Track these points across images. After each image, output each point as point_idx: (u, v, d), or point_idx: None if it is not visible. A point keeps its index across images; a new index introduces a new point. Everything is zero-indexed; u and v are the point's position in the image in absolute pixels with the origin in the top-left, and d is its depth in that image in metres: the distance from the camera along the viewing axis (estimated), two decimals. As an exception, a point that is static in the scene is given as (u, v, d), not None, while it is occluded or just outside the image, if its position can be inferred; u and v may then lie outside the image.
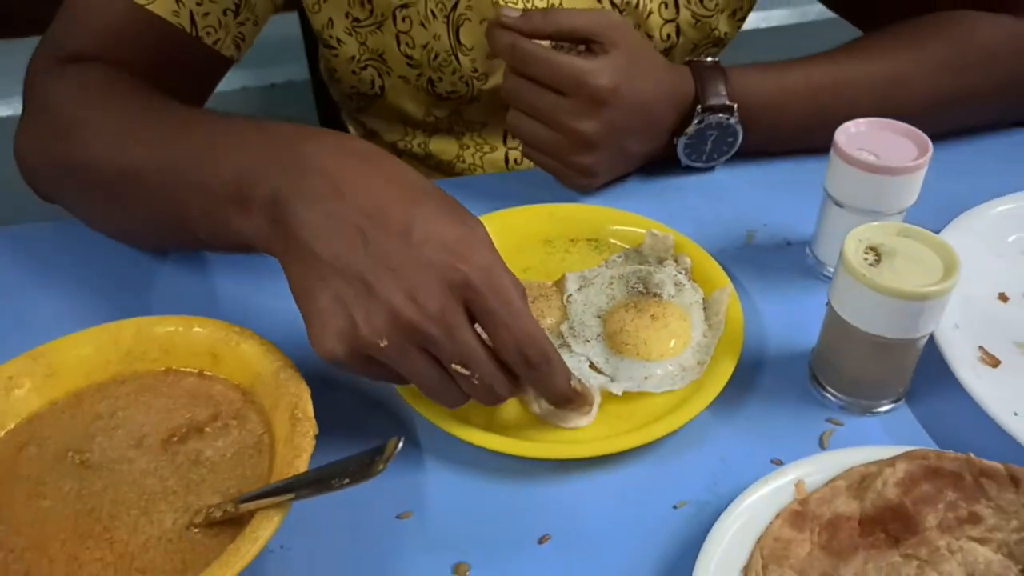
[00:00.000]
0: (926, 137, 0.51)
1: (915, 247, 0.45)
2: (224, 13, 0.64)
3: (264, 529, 0.37)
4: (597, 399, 0.47)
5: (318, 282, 0.40)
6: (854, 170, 0.51)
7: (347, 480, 0.36)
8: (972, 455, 0.42)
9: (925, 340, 0.46)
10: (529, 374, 0.42)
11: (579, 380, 0.45)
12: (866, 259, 0.44)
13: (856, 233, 0.45)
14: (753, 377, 0.50)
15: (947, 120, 0.67)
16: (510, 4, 0.67)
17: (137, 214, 0.54)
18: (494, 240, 0.43)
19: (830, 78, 0.65)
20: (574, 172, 0.63)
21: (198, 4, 0.62)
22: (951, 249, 0.44)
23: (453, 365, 0.41)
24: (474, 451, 0.46)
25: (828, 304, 0.46)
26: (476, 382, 0.41)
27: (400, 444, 0.36)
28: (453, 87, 0.73)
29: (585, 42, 0.60)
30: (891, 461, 0.42)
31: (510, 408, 0.48)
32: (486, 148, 0.78)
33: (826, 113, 0.60)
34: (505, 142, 0.78)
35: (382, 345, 0.39)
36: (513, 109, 0.62)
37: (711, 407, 0.48)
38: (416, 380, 0.42)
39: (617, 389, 0.48)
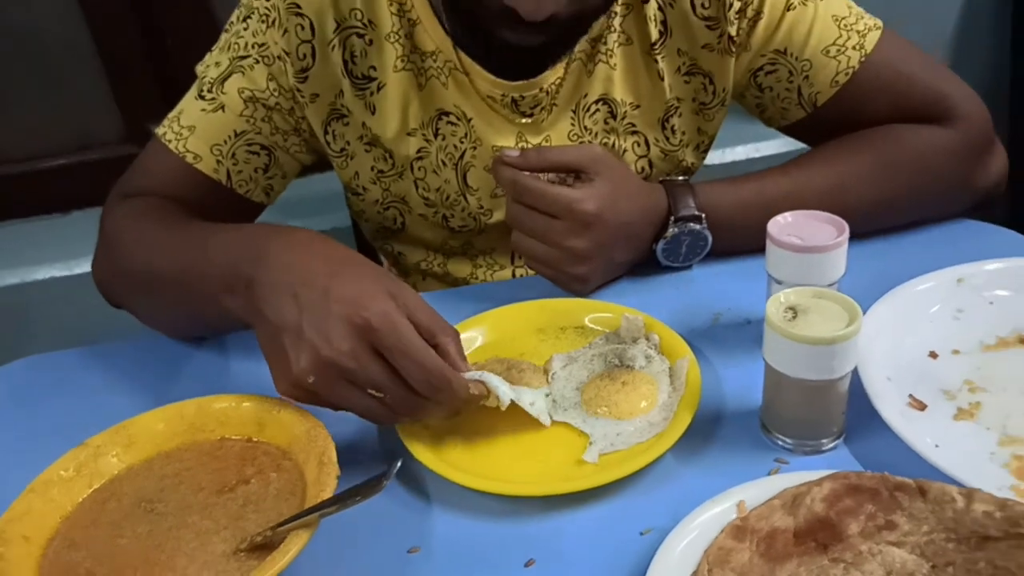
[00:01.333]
0: (843, 221, 0.61)
1: (826, 305, 0.54)
2: (255, 171, 0.80)
3: (294, 544, 0.46)
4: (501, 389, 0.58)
5: (271, 340, 0.54)
6: (785, 252, 0.61)
7: (359, 497, 0.45)
8: (887, 473, 0.49)
9: (846, 382, 0.54)
10: (434, 395, 0.53)
11: (477, 383, 0.56)
12: (786, 316, 0.53)
13: (777, 296, 0.55)
14: (712, 428, 0.59)
15: (887, 218, 0.77)
16: (508, 146, 0.81)
17: (166, 306, 0.70)
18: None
19: (781, 189, 0.75)
20: (570, 281, 0.74)
21: (234, 164, 0.78)
22: (855, 304, 0.53)
23: (369, 390, 0.52)
24: (471, 494, 0.54)
25: (763, 359, 0.55)
26: (390, 401, 0.53)
27: (399, 465, 0.45)
28: (464, 222, 0.86)
29: (574, 173, 0.72)
30: (818, 481, 0.50)
31: (502, 453, 0.58)
32: (496, 267, 0.90)
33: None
34: (512, 262, 0.90)
35: (311, 380, 0.52)
36: (516, 231, 0.73)
37: (674, 452, 0.56)
38: (346, 406, 0.54)
39: (591, 456, 0.57)
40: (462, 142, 0.81)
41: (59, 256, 1.57)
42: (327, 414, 0.55)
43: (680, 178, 0.77)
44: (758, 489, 0.50)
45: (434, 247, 0.91)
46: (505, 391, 0.57)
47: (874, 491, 0.49)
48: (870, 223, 0.76)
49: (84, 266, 1.52)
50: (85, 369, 0.73)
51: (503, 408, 0.58)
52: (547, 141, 0.82)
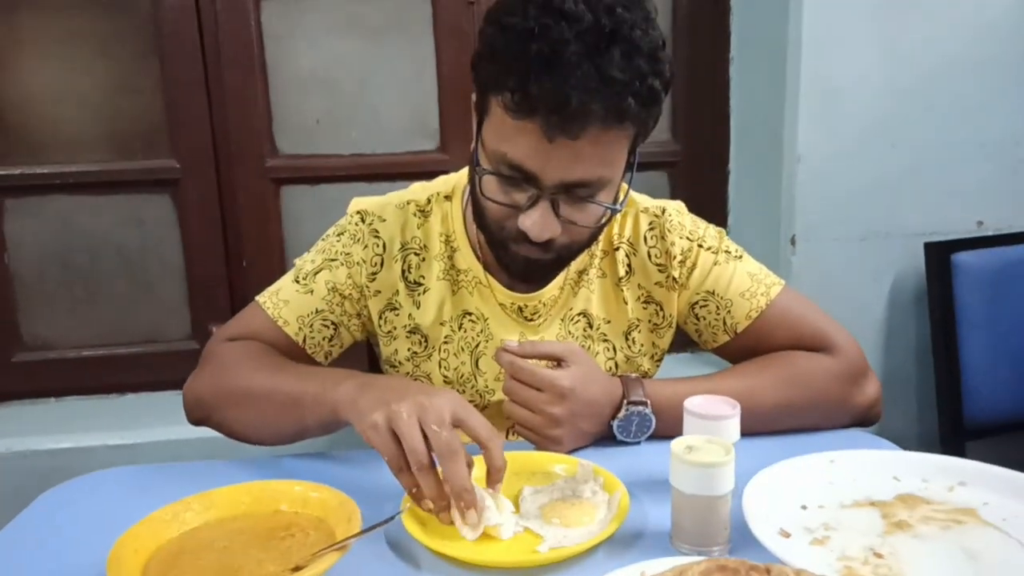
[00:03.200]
0: (736, 403, 0.86)
1: (712, 447, 0.77)
2: (323, 339, 1.08)
3: (325, 563, 0.66)
4: (482, 523, 0.78)
5: (377, 397, 0.79)
6: (695, 419, 0.85)
7: (375, 528, 0.66)
8: (746, 559, 0.69)
9: (726, 501, 0.75)
10: (486, 448, 0.77)
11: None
12: (684, 451, 0.77)
13: (679, 439, 0.78)
14: (634, 539, 0.79)
15: (785, 421, 1.02)
16: (509, 339, 1.08)
17: (269, 413, 0.94)
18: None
19: (707, 389, 0.99)
20: (548, 442, 0.96)
21: (310, 332, 1.06)
22: (731, 446, 0.76)
23: (432, 425, 0.74)
24: (451, 565, 0.74)
25: (670, 482, 0.77)
26: (443, 438, 0.74)
27: (407, 507, 0.67)
28: (471, 398, 1.11)
29: (556, 360, 0.98)
30: (698, 562, 0.69)
31: (477, 540, 0.78)
32: None
33: None
34: (507, 437, 1.13)
35: (395, 407, 0.75)
36: (509, 401, 0.97)
37: (604, 551, 0.76)
38: (407, 438, 0.74)
39: (544, 548, 0.77)
40: (478, 335, 1.09)
41: (111, 427, 1.79)
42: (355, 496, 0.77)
43: (633, 374, 1.02)
44: (656, 566, 0.70)
45: None
46: (508, 526, 0.80)
47: (735, 570, 0.68)
48: (773, 423, 1.00)
49: (130, 438, 1.75)
50: (161, 478, 0.95)
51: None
52: (541, 340, 1.09)
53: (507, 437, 1.13)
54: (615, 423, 0.99)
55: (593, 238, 1.01)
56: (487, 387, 1.10)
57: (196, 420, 1.03)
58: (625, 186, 1.01)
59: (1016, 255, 1.78)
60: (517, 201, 0.92)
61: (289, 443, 0.98)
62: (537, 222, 0.90)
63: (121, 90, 1.81)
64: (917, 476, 0.88)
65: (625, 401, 0.98)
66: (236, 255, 1.91)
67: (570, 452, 0.98)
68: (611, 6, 0.83)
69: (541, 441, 0.96)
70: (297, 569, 0.68)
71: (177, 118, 1.82)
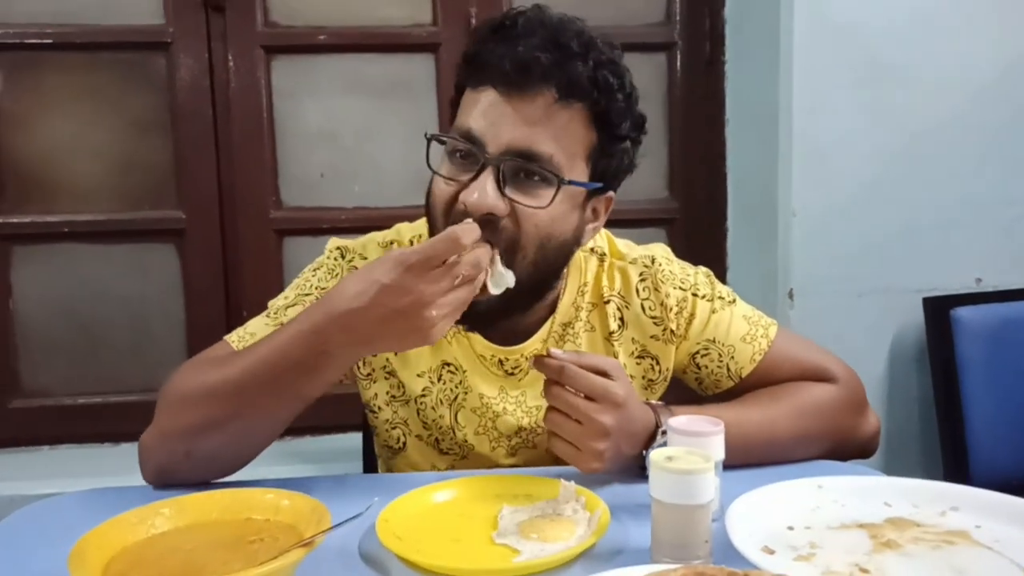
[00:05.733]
0: (720, 422, 0.85)
1: (692, 457, 0.76)
2: None
3: (291, 557, 0.65)
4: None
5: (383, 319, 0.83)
6: (679, 436, 0.83)
7: (344, 523, 0.65)
8: (725, 567, 0.67)
9: (707, 512, 0.73)
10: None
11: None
12: (665, 460, 0.75)
13: (660, 449, 0.77)
14: (613, 555, 0.77)
15: (802, 450, 0.99)
16: (491, 395, 1.05)
17: (241, 418, 0.88)
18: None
19: (731, 417, 0.92)
20: (590, 456, 0.87)
21: None
22: (711, 455, 0.75)
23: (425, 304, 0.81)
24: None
25: (649, 495, 0.76)
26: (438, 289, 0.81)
27: (375, 501, 0.66)
28: (451, 448, 1.08)
29: (601, 373, 0.88)
30: (675, 568, 0.67)
31: (453, 553, 0.75)
32: None
33: (729, 438, 0.86)
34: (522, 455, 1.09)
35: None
36: (550, 410, 0.89)
37: (582, 566, 0.74)
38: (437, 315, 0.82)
39: (522, 560, 0.75)
40: (457, 387, 1.06)
41: (101, 475, 1.77)
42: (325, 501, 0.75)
43: (658, 402, 0.96)
44: (633, 573, 0.68)
45: (424, 470, 1.11)
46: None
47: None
48: (789, 453, 0.99)
49: (119, 485, 1.72)
50: (136, 496, 0.94)
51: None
52: (522, 395, 1.06)
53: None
54: (649, 452, 0.88)
55: (545, 263, 0.94)
56: (466, 440, 1.07)
57: (160, 478, 0.96)
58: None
59: (1016, 312, 1.77)
60: (464, 180, 0.91)
61: (283, 425, 0.92)
62: (475, 190, 0.88)
63: (133, 143, 1.87)
64: (908, 502, 0.86)
65: (660, 430, 0.92)
66: (236, 305, 1.92)
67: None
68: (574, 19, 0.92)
69: (580, 456, 0.88)
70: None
71: (185, 170, 1.86)
